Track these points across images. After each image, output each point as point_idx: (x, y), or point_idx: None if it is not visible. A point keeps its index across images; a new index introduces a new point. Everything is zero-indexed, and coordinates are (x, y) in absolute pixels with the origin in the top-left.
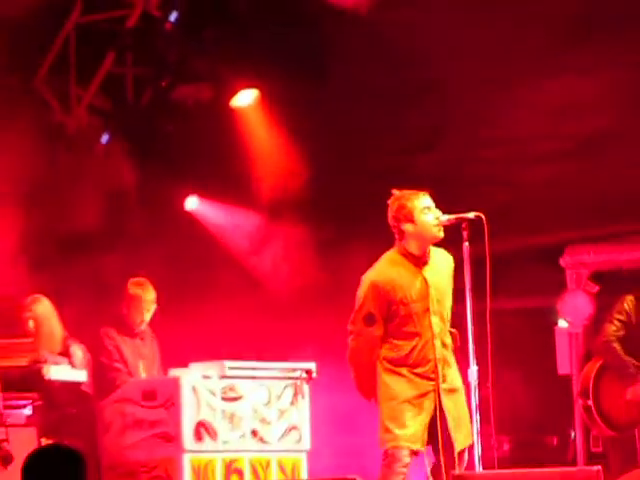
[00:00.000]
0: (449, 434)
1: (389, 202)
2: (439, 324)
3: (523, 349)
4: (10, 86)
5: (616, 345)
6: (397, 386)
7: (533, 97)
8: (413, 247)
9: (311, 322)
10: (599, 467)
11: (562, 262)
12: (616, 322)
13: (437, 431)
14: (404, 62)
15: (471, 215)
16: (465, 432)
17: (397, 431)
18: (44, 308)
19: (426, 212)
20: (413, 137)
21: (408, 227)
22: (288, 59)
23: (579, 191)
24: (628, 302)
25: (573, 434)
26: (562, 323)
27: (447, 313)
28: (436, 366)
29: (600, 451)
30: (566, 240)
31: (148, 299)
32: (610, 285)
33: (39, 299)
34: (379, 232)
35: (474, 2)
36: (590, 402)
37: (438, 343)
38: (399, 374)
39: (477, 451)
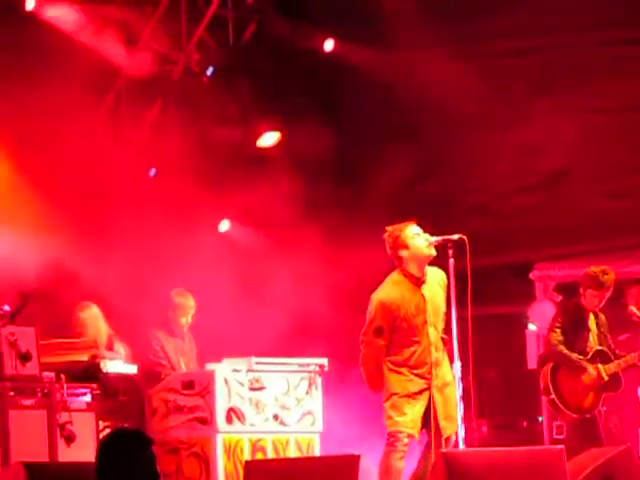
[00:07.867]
0: (438, 423)
1: (385, 237)
2: (434, 333)
3: (499, 348)
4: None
5: (561, 347)
6: (399, 384)
7: (508, 140)
8: (413, 269)
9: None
10: (562, 446)
11: (532, 276)
12: (556, 329)
13: (430, 419)
14: (410, 110)
15: (455, 237)
16: (452, 421)
17: (397, 418)
18: (89, 313)
19: (416, 237)
20: (413, 170)
21: (404, 253)
22: (306, 106)
23: (545, 218)
24: (565, 311)
25: (540, 418)
26: (531, 326)
27: (441, 323)
28: (431, 368)
29: (562, 437)
30: (535, 258)
31: (189, 305)
32: (571, 295)
33: (86, 306)
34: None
35: (468, 66)
36: (553, 396)
37: (433, 349)
38: (401, 373)
39: (460, 433)
